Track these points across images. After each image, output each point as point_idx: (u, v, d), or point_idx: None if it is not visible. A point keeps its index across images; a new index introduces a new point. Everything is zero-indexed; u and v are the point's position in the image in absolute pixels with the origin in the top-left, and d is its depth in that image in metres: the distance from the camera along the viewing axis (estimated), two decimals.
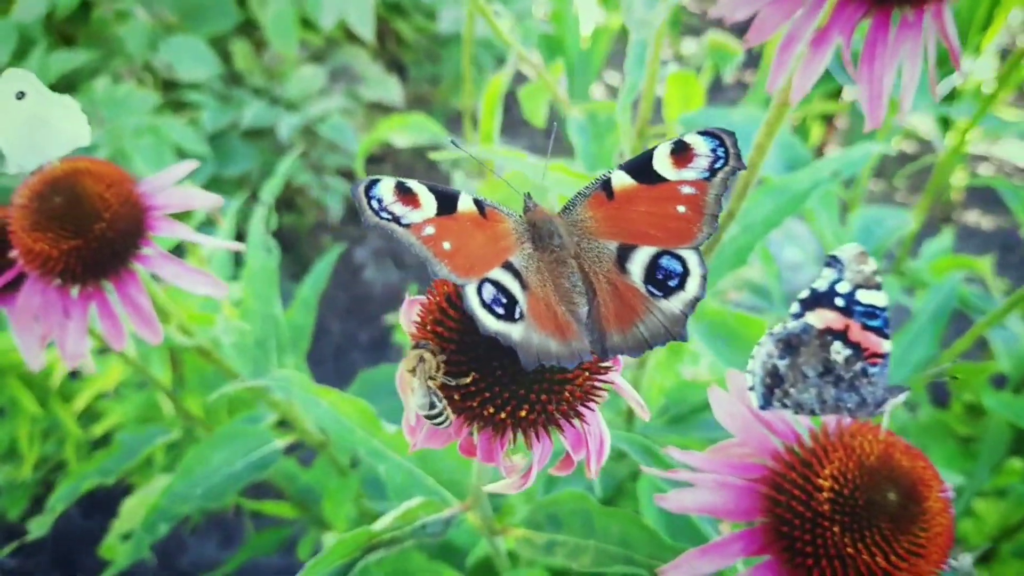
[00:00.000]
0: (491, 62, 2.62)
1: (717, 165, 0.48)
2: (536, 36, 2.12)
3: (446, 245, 0.43)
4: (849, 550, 0.53)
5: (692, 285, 0.47)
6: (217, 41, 2.20)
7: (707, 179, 0.48)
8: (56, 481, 1.77)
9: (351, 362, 2.61)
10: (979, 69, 1.94)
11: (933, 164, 1.56)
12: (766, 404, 0.58)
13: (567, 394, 0.45)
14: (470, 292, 0.42)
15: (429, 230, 0.44)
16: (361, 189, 0.44)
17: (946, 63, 0.68)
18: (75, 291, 0.73)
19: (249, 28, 2.29)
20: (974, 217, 3.03)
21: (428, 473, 0.84)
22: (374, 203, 0.44)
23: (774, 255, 1.44)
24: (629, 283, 0.47)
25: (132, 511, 1.39)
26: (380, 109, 2.55)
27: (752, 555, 0.58)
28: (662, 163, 0.50)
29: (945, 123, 2.00)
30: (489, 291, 0.42)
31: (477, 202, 0.47)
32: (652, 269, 0.48)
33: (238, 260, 1.34)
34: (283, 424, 1.19)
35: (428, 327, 0.45)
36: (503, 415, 0.44)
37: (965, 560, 0.58)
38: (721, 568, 0.58)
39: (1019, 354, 1.16)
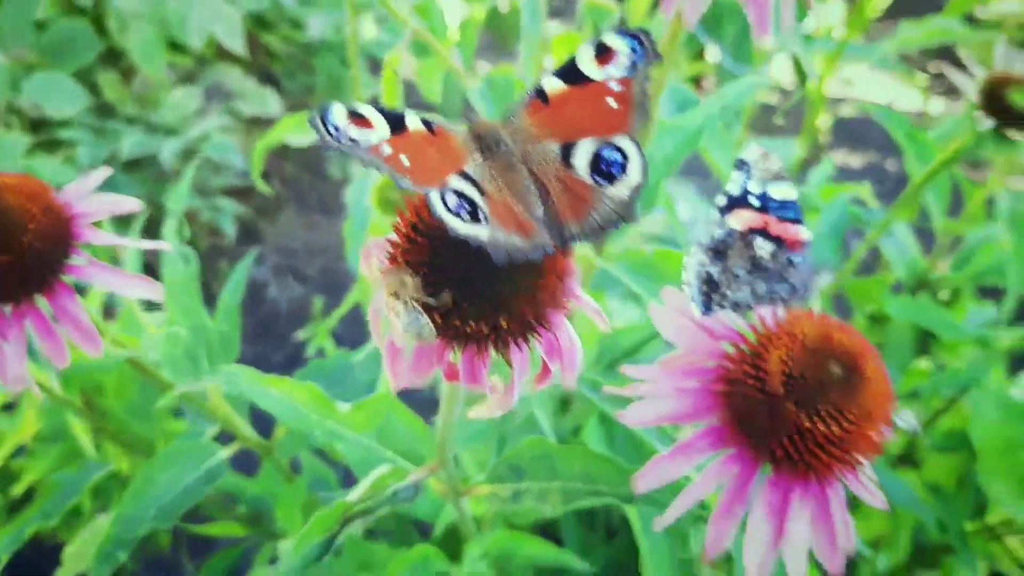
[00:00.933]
0: (364, 64, 2.62)
1: (637, 61, 0.52)
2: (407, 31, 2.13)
3: (404, 161, 0.46)
4: (806, 424, 0.57)
5: (634, 170, 0.51)
6: (83, 74, 2.13)
7: (630, 74, 0.52)
8: None
9: None
10: (828, 14, 2.06)
11: (804, 103, 1.66)
12: (707, 310, 0.62)
13: (540, 300, 0.48)
14: (435, 200, 0.45)
15: (386, 149, 0.46)
16: (317, 118, 0.47)
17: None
18: (8, 310, 0.71)
19: (114, 57, 2.23)
20: (842, 156, 3.20)
21: (386, 446, 0.86)
22: (331, 129, 0.46)
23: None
24: (576, 177, 0.51)
25: (76, 556, 1.35)
26: (260, 123, 2.52)
27: (717, 449, 0.61)
28: (587, 65, 0.54)
29: (801, 69, 2.11)
30: (452, 198, 0.45)
31: (423, 120, 0.50)
32: (595, 161, 0.51)
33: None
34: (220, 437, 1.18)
35: (400, 259, 0.47)
36: (484, 328, 0.46)
37: (908, 416, 0.63)
38: (691, 467, 0.61)
39: (910, 260, 1.24)
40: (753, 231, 0.61)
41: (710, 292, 0.62)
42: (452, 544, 1.07)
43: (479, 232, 0.44)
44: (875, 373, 0.59)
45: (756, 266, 0.61)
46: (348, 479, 1.42)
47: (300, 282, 2.79)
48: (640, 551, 0.96)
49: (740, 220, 0.62)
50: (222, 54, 2.35)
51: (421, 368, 0.49)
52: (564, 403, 1.10)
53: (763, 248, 0.61)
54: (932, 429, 1.37)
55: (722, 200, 0.62)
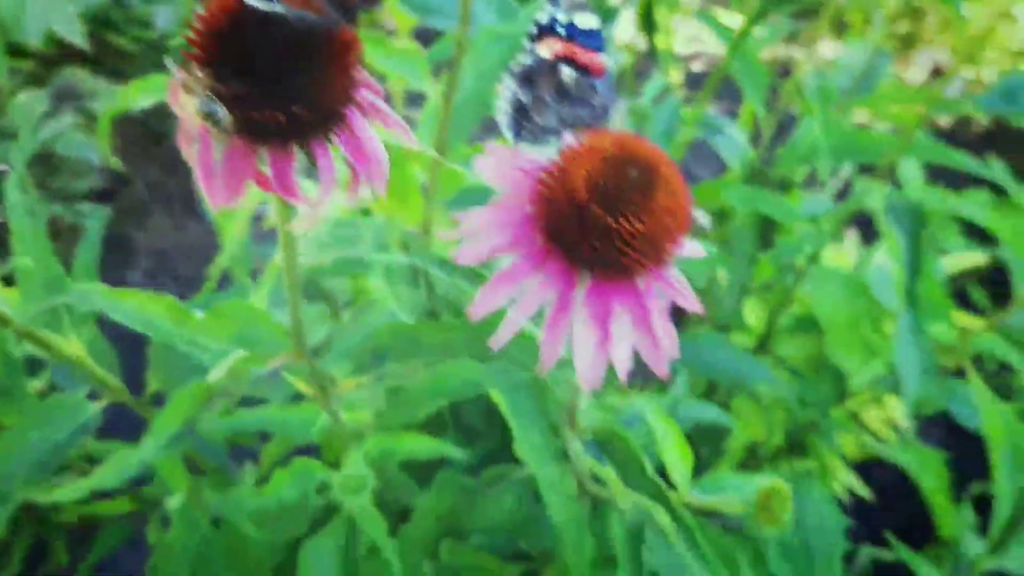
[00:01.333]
0: None
1: None
2: None
3: None
4: (612, 224, 0.62)
5: None
6: None
7: None
8: None
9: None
10: None
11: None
12: (517, 135, 0.67)
13: (334, 89, 0.51)
14: None
15: None
16: None
17: None
18: None
19: None
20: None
21: (245, 348, 0.87)
22: None
23: None
24: None
25: None
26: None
27: (537, 269, 0.66)
28: None
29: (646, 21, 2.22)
30: None
31: None
32: None
33: None
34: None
35: (194, 63, 0.50)
36: (281, 117, 0.49)
37: (701, 214, 0.68)
38: (518, 292, 0.66)
39: (742, 152, 1.33)
40: (560, 59, 0.66)
41: (520, 119, 0.66)
42: (333, 459, 1.10)
43: (275, 7, 0.47)
44: (671, 175, 0.65)
45: (562, 92, 0.66)
46: (233, 445, 1.42)
47: (176, 284, 2.74)
48: (513, 436, 1.01)
49: (548, 49, 0.66)
50: (69, 55, 2.30)
51: (234, 179, 0.51)
52: (432, 314, 1.13)
53: (569, 76, 0.66)
54: (784, 316, 1.47)
55: (533, 29, 0.67)
